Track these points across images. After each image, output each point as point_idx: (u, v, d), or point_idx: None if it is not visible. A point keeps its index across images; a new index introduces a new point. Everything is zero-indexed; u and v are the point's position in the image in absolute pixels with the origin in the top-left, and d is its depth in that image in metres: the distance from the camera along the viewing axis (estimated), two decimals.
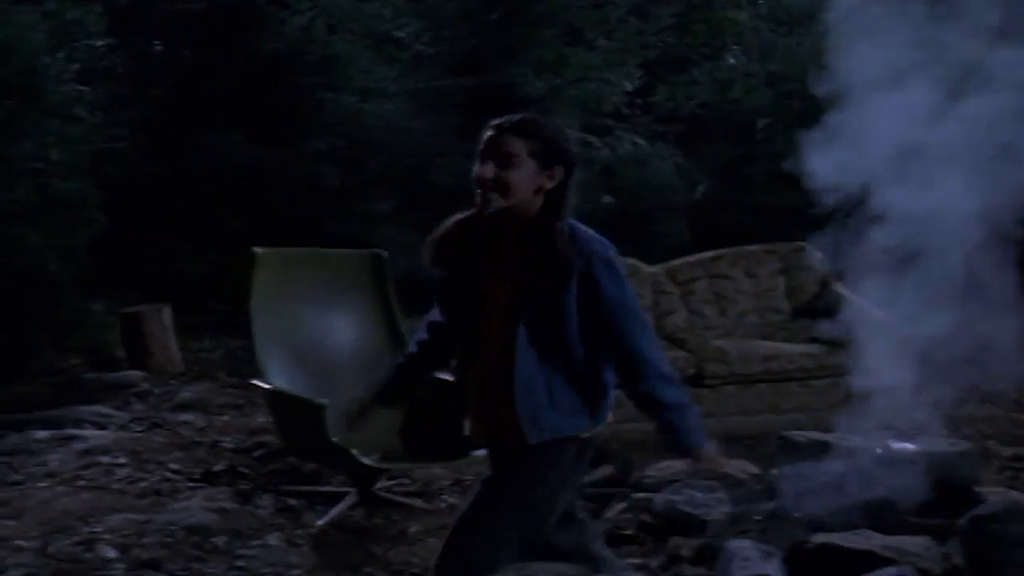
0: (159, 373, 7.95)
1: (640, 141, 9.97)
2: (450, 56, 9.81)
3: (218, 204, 9.66)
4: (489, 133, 3.05)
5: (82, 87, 8.94)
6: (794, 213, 9.59)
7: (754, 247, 7.11)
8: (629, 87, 9.89)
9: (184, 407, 6.86)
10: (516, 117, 3.07)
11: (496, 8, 9.91)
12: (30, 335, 8.24)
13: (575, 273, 2.99)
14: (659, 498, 4.93)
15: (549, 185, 3.03)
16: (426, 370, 3.41)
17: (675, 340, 6.57)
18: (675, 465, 5.42)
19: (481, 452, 3.64)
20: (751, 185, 10.07)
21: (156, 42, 10.20)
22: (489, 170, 2.99)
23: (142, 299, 9.13)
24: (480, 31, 9.76)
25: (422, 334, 3.37)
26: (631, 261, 7.02)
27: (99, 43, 9.92)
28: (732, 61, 11.34)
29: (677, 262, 7.03)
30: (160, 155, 9.82)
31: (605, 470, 5.74)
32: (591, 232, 3.10)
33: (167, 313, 8.27)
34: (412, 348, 3.39)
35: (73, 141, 8.70)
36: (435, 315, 3.33)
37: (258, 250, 5.32)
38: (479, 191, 3.02)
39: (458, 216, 3.19)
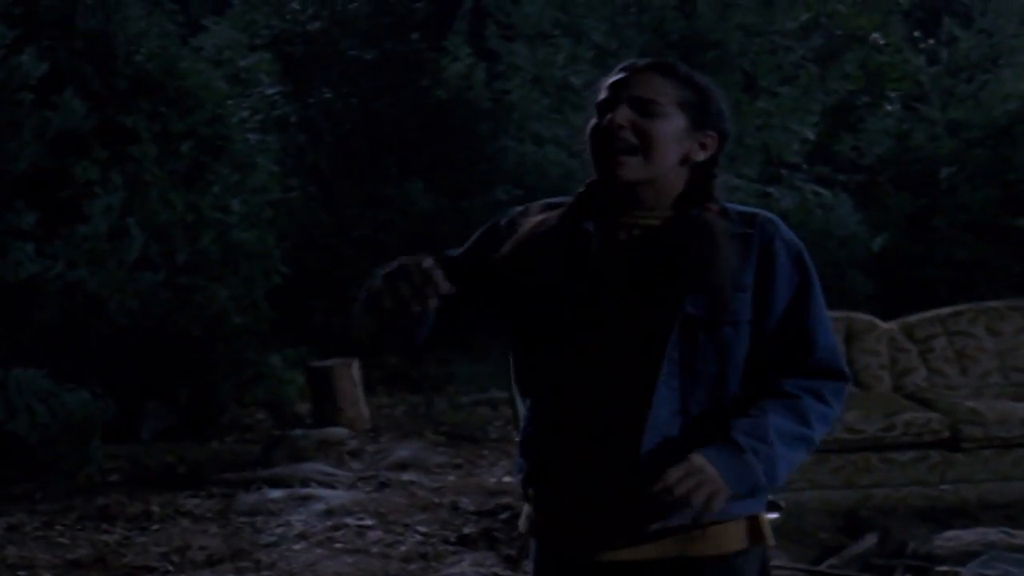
0: (351, 429, 7.77)
1: (822, 191, 9.68)
2: None
3: (392, 255, 9.51)
4: (619, 70, 2.14)
5: (266, 136, 8.91)
6: (983, 266, 9.39)
7: (996, 303, 6.76)
8: (811, 135, 9.60)
9: (403, 466, 6.66)
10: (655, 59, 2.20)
11: (670, 55, 9.71)
12: (216, 390, 8.14)
13: (753, 258, 2.10)
14: (967, 572, 4.64)
15: (700, 156, 2.13)
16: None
17: (920, 400, 6.24)
18: (964, 536, 5.14)
19: None
20: (935, 237, 9.73)
21: (325, 90, 10.12)
22: (624, 115, 2.06)
23: (312, 352, 9.00)
24: None
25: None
26: (866, 317, 6.73)
27: (271, 91, 9.90)
28: (889, 108, 11.07)
29: (913, 318, 6.70)
30: (332, 204, 9.73)
31: (870, 539, 5.45)
32: (763, 210, 2.20)
33: (356, 368, 8.11)
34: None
35: (253, 191, 8.64)
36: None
37: None
38: (606, 150, 2.07)
39: (549, 203, 2.24)
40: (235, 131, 8.50)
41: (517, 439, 4.83)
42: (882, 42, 11.68)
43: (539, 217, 2.21)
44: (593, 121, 2.13)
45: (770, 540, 2.19)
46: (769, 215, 2.17)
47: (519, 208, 2.30)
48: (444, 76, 10.26)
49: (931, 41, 11.46)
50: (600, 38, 9.78)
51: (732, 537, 2.13)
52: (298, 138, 9.91)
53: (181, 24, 8.62)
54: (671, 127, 2.08)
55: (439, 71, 10.24)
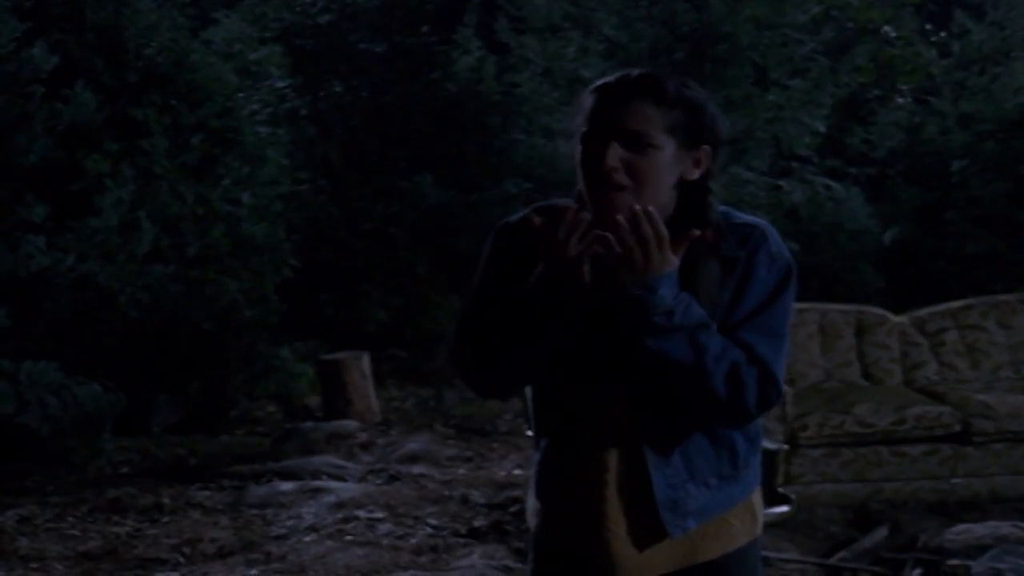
0: (361, 422, 7.77)
1: (833, 184, 9.66)
2: None
3: (402, 249, 9.53)
4: (601, 96, 1.99)
5: (276, 129, 8.90)
6: (995, 260, 9.34)
7: (1007, 297, 6.75)
8: (822, 128, 9.57)
9: (413, 459, 6.67)
10: (637, 73, 2.01)
11: (681, 47, 9.69)
12: (226, 383, 8.14)
13: (734, 278, 2.03)
14: (978, 566, 4.64)
15: (693, 175, 2.03)
16: None
17: (931, 394, 6.23)
18: (975, 530, 5.13)
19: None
20: (947, 231, 9.68)
21: (335, 83, 10.12)
22: (614, 155, 1.95)
23: (322, 345, 9.01)
24: (668, 71, 9.53)
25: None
26: (877, 310, 6.72)
27: (281, 84, 9.88)
28: (900, 101, 11.02)
29: (924, 312, 6.69)
30: (342, 198, 9.72)
31: (881, 533, 5.45)
32: (759, 220, 2.11)
33: (366, 361, 8.11)
34: None
35: (263, 184, 8.64)
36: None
37: None
38: (598, 190, 1.97)
39: (545, 206, 2.14)
40: (245, 124, 8.49)
41: (527, 432, 4.81)
42: (893, 35, 11.63)
43: (536, 217, 2.05)
44: (579, 153, 2.01)
45: (760, 527, 2.21)
46: (764, 228, 2.08)
47: (515, 218, 2.17)
48: (454, 69, 10.25)
49: (943, 34, 11.43)
50: (610, 31, 9.76)
51: (736, 532, 2.15)
52: (308, 131, 9.90)
53: (191, 17, 8.61)
54: (663, 158, 1.98)
55: (449, 64, 10.23)
